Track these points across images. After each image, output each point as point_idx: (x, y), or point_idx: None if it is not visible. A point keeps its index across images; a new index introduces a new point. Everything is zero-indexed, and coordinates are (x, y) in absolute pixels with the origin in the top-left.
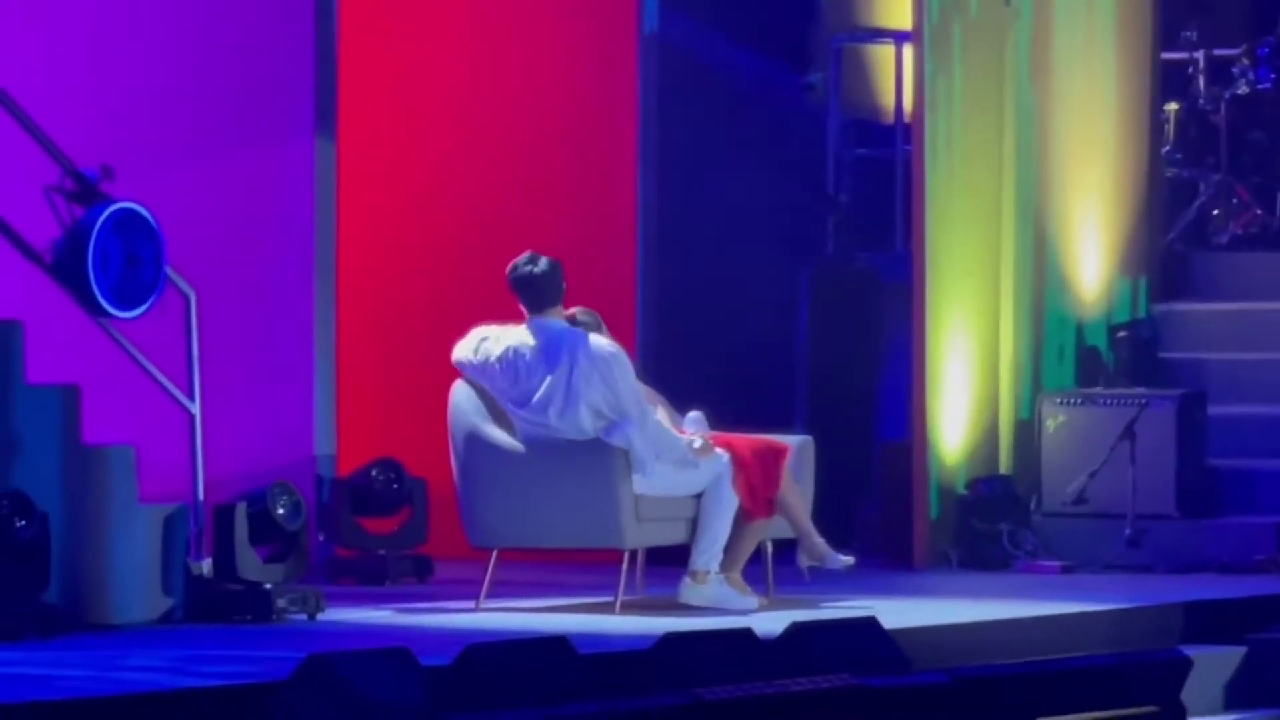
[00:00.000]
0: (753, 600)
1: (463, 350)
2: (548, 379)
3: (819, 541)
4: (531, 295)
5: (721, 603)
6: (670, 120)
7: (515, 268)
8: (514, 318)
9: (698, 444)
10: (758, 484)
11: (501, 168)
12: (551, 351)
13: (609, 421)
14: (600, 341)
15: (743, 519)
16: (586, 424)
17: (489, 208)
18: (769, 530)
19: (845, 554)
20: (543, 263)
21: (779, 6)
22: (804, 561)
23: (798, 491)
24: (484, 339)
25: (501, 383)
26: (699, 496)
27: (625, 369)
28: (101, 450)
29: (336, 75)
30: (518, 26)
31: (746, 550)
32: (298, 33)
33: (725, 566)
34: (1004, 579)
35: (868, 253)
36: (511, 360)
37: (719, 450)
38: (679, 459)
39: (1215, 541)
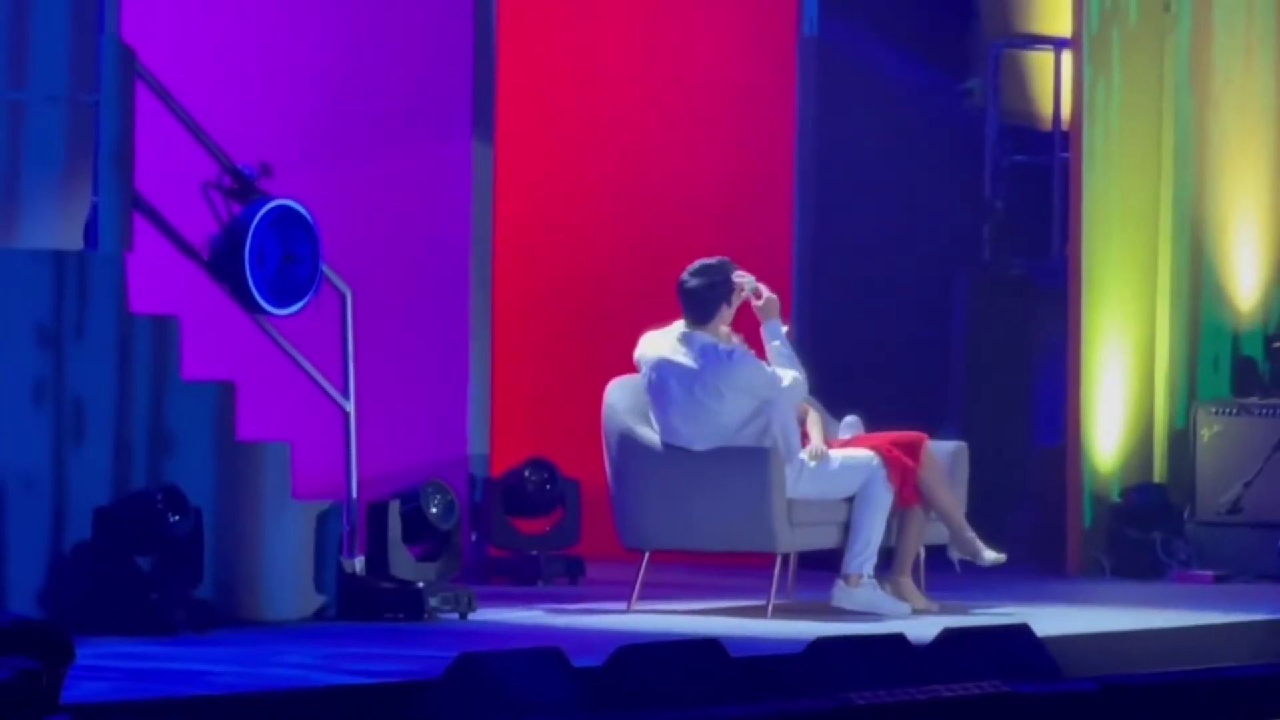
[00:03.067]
0: (905, 607)
1: (638, 349)
2: (675, 404)
3: (971, 536)
4: (684, 306)
5: (874, 607)
6: (828, 124)
7: (683, 274)
8: (666, 317)
9: (805, 456)
10: (907, 470)
11: (658, 170)
12: (678, 375)
13: (755, 420)
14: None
15: (897, 508)
16: (730, 436)
17: (645, 209)
18: (928, 530)
19: (997, 550)
20: (697, 279)
21: (938, 11)
22: (955, 555)
23: (949, 486)
24: (648, 342)
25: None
26: (850, 500)
27: (743, 364)
28: (256, 446)
29: (494, 77)
30: (677, 29)
31: (911, 550)
32: (456, 34)
33: (894, 571)
34: (1156, 588)
35: (1024, 259)
36: (653, 371)
37: (867, 452)
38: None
39: None
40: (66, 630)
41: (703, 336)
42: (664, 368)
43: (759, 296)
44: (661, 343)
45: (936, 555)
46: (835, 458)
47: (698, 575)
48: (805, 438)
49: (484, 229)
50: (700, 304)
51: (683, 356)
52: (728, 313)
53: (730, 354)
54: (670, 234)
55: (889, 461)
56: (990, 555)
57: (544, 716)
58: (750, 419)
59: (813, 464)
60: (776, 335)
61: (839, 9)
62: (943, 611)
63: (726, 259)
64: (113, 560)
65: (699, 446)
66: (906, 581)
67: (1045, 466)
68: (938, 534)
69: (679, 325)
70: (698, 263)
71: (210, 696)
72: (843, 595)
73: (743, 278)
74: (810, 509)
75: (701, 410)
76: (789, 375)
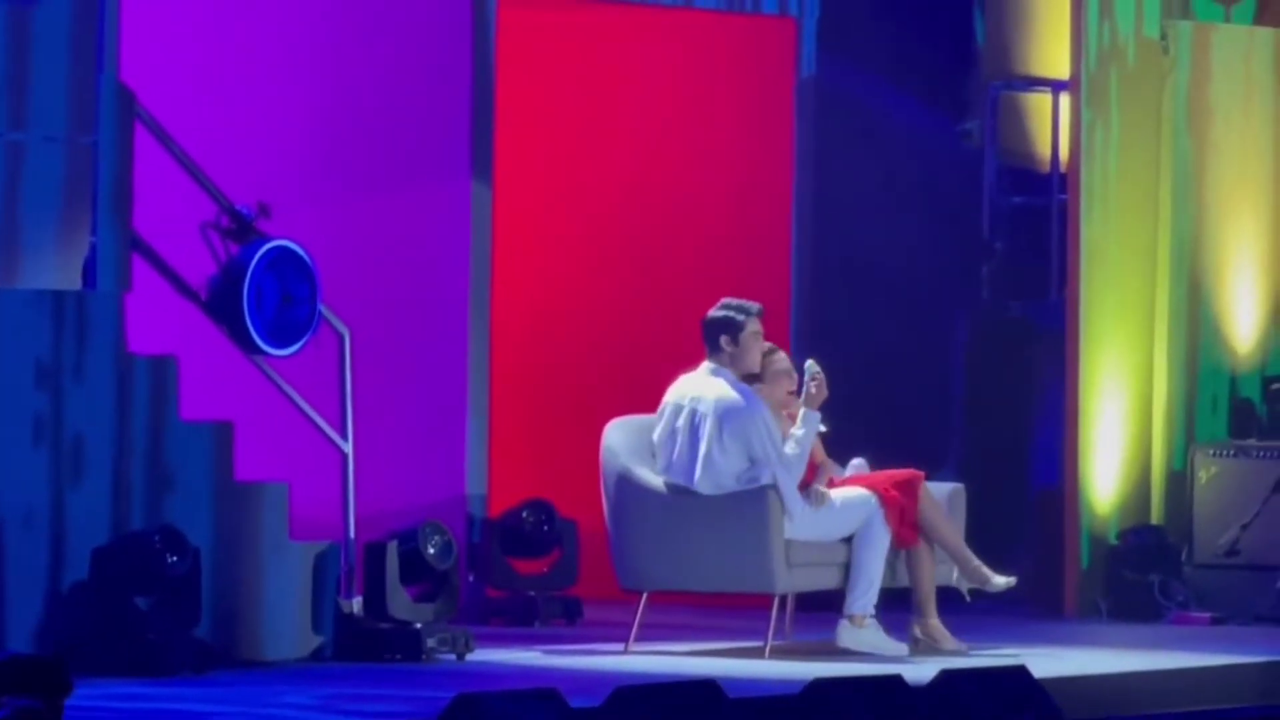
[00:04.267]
0: (904, 647)
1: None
2: (680, 437)
3: (977, 565)
4: (704, 338)
5: (877, 648)
6: (826, 165)
7: None
8: (664, 359)
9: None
10: (905, 509)
11: (657, 210)
12: (689, 409)
13: (747, 469)
14: (724, 396)
15: (897, 548)
16: (724, 482)
17: (643, 249)
18: (936, 568)
19: (1005, 574)
20: (719, 311)
21: (936, 53)
22: (964, 586)
23: (949, 520)
24: (677, 384)
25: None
26: (849, 541)
27: (750, 419)
28: (254, 487)
29: (493, 118)
30: (675, 70)
31: (930, 590)
32: (454, 75)
33: (921, 615)
34: (1154, 630)
35: (1022, 300)
36: (671, 411)
37: (865, 491)
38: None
39: None
40: (62, 661)
41: (725, 373)
42: (683, 404)
43: (820, 385)
44: (687, 381)
45: (941, 595)
46: (834, 498)
47: (696, 616)
48: (811, 474)
49: (482, 270)
50: (707, 334)
51: (707, 391)
52: (734, 350)
53: (752, 398)
54: (669, 274)
55: (886, 501)
56: (1000, 580)
57: None
58: (746, 471)
59: (815, 509)
60: (806, 424)
61: (837, 49)
62: (942, 652)
63: (751, 303)
64: (111, 600)
65: (704, 488)
66: (936, 624)
67: (1043, 507)
68: (942, 575)
69: (704, 363)
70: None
71: None
72: (848, 635)
73: (812, 366)
74: (808, 550)
75: (703, 445)
76: (791, 456)
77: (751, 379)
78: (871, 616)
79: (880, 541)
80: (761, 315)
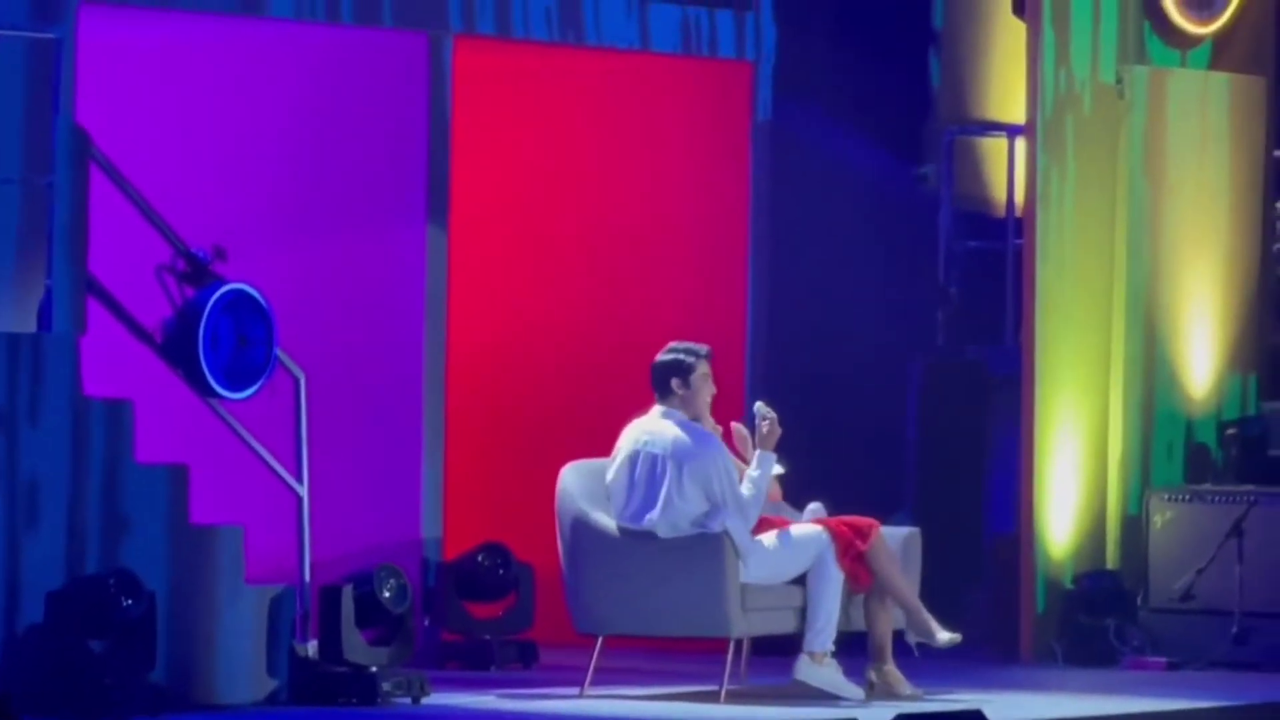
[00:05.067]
0: (860, 690)
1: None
2: (639, 481)
3: (926, 618)
4: (652, 383)
5: (836, 688)
6: (782, 208)
7: None
8: (619, 403)
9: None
10: (857, 548)
11: (612, 254)
12: (645, 451)
13: (705, 513)
14: (681, 439)
15: (853, 591)
16: (680, 524)
17: (599, 293)
18: (893, 614)
19: (952, 631)
20: (664, 356)
21: (892, 97)
22: (912, 638)
23: (902, 569)
24: (629, 429)
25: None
26: (804, 584)
27: (709, 460)
28: (209, 530)
29: (449, 161)
30: (632, 112)
31: (886, 636)
32: (411, 119)
33: (878, 659)
34: (1110, 674)
35: (977, 345)
36: (626, 454)
37: (816, 528)
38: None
39: None
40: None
41: (678, 415)
42: (639, 447)
43: (772, 425)
44: (641, 424)
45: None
46: (785, 537)
47: (651, 660)
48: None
49: (437, 313)
50: (655, 379)
51: (663, 433)
52: (685, 393)
53: (709, 439)
54: (625, 317)
55: (837, 536)
56: (945, 636)
57: None
58: (704, 515)
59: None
60: (762, 466)
61: (793, 93)
62: (898, 696)
63: (698, 345)
64: (65, 644)
65: (660, 531)
66: (892, 669)
67: (998, 552)
68: (898, 618)
69: (655, 406)
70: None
71: None
72: (807, 670)
73: (762, 408)
74: (764, 594)
75: (663, 487)
76: (747, 498)
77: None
78: (831, 655)
79: (834, 577)
80: (710, 357)
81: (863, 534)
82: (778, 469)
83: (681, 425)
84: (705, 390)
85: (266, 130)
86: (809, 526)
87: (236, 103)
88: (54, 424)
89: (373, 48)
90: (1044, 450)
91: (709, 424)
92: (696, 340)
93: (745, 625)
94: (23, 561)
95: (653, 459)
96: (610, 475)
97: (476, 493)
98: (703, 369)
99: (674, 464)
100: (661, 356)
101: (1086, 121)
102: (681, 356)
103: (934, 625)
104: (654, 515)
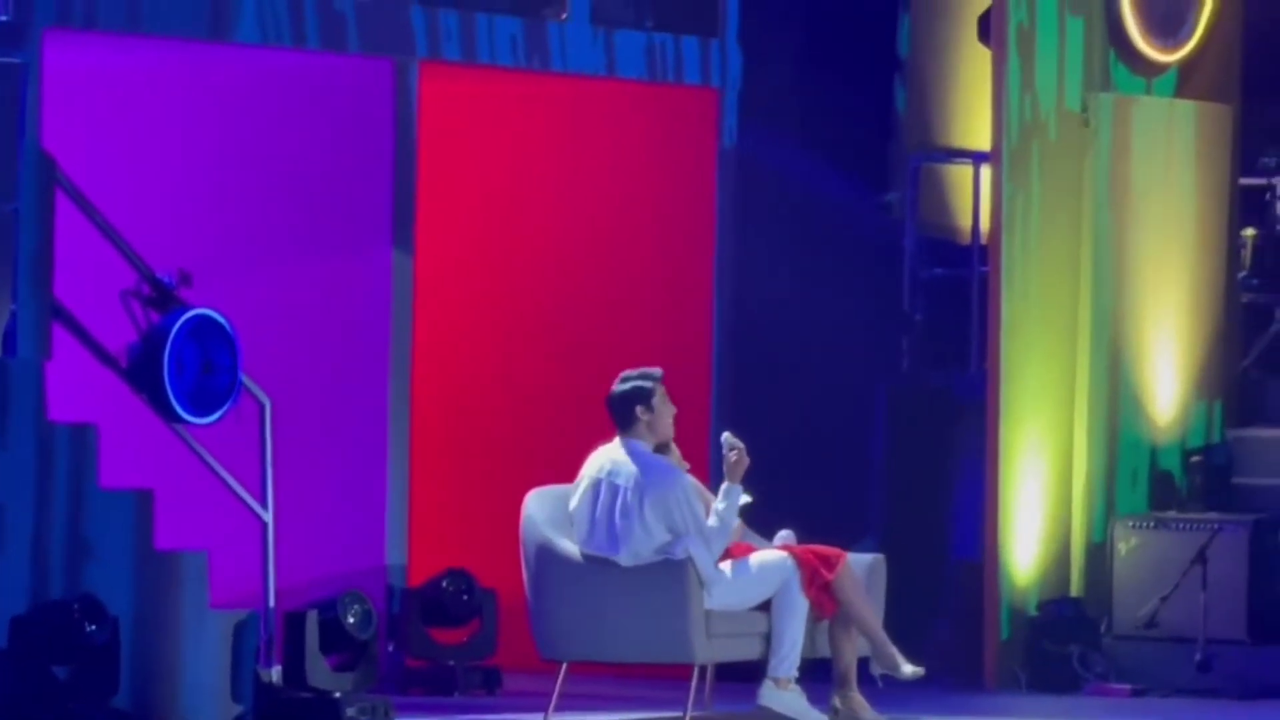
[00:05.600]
0: (824, 717)
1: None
2: (601, 511)
3: (892, 650)
4: (611, 415)
5: (799, 714)
6: (747, 235)
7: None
8: (584, 429)
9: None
10: (822, 575)
11: (579, 280)
12: (608, 481)
13: (668, 542)
14: (644, 470)
15: (818, 618)
16: (643, 553)
17: (565, 320)
18: (857, 641)
19: (916, 664)
20: (622, 386)
21: (858, 124)
22: (876, 670)
23: (868, 601)
24: (592, 457)
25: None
26: (768, 610)
27: (671, 491)
28: (174, 555)
29: (415, 187)
30: (598, 138)
31: (851, 663)
32: (377, 144)
33: (843, 686)
34: (1073, 701)
35: (942, 372)
36: (589, 484)
37: (781, 553)
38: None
39: None
40: None
41: (640, 445)
42: (601, 476)
43: (739, 456)
44: (603, 454)
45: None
46: (750, 564)
47: (616, 686)
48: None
49: (403, 339)
50: (618, 410)
51: (625, 464)
52: (650, 418)
53: (671, 471)
54: (590, 344)
55: (803, 564)
56: (909, 669)
57: None
58: (667, 544)
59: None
60: (729, 498)
61: (758, 119)
62: None
63: (651, 369)
64: (29, 669)
65: (624, 560)
66: (857, 696)
67: (963, 578)
68: (863, 646)
69: (616, 437)
70: (623, 373)
71: None
72: (771, 696)
73: (729, 439)
74: (728, 620)
75: (625, 518)
76: (712, 530)
77: (661, 448)
78: (795, 681)
79: (799, 604)
80: (662, 378)
81: (830, 563)
82: (746, 498)
83: (643, 457)
84: (667, 411)
85: (232, 155)
86: (774, 553)
87: (202, 128)
88: (19, 448)
89: (339, 73)
90: (1009, 477)
91: (675, 453)
92: (662, 365)
93: (709, 651)
94: None
95: (615, 490)
96: (573, 504)
97: (441, 519)
98: (660, 390)
99: (636, 496)
100: (619, 388)
101: (1052, 148)
102: (639, 383)
103: (899, 658)
104: (618, 545)
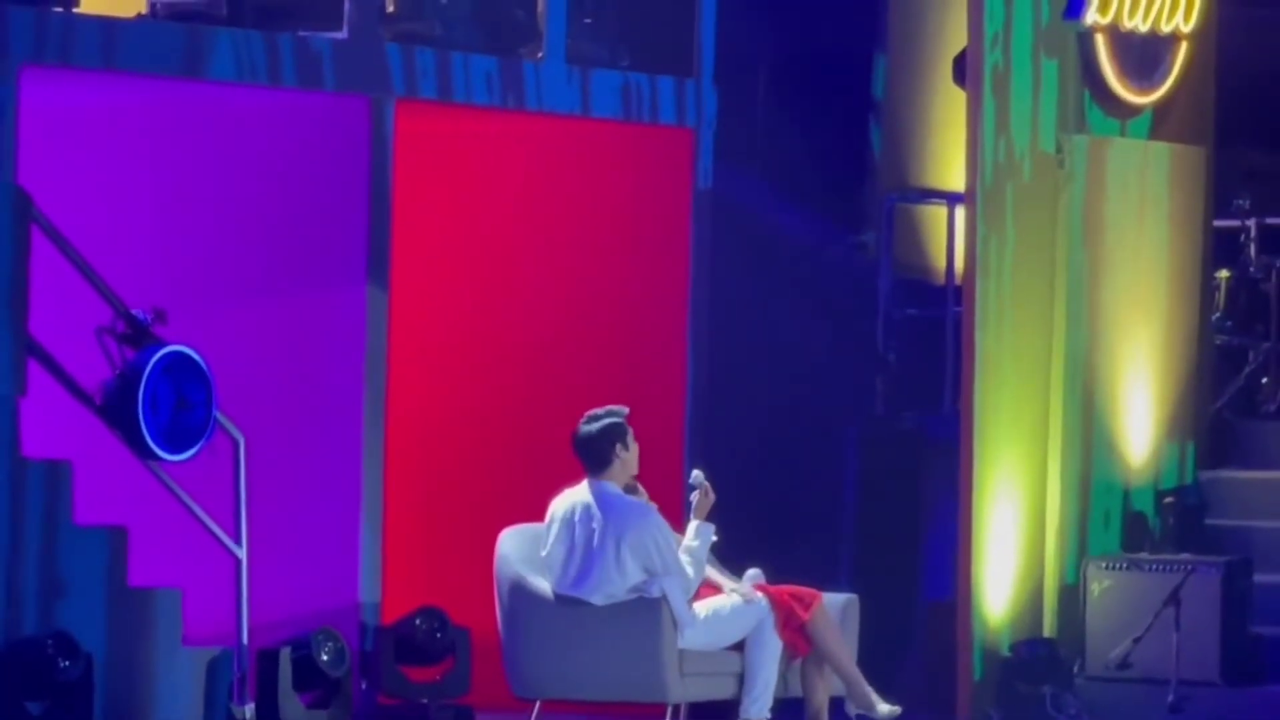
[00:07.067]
0: None
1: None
2: (576, 553)
3: (866, 690)
4: (580, 457)
5: None
6: (722, 275)
7: (578, 425)
8: (558, 467)
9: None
10: (797, 616)
11: (554, 319)
12: (582, 524)
13: (643, 580)
14: (618, 511)
15: (790, 659)
16: (617, 594)
17: (540, 359)
18: (830, 680)
19: (891, 704)
20: (595, 425)
21: (832, 165)
22: (852, 710)
23: (843, 640)
24: (559, 499)
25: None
26: (742, 650)
27: (647, 531)
28: (147, 592)
29: (390, 225)
30: (573, 179)
31: (824, 702)
32: (352, 182)
33: None
34: None
35: (916, 412)
36: (561, 526)
37: (757, 594)
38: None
39: (1258, 710)
40: None
41: (612, 486)
42: (574, 518)
43: (705, 493)
44: (573, 496)
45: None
46: (724, 604)
47: None
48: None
49: (377, 376)
50: (593, 450)
51: (594, 506)
52: (626, 456)
53: (645, 510)
54: (564, 383)
55: (778, 605)
56: (885, 708)
57: None
58: (641, 584)
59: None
60: (700, 537)
61: (734, 160)
62: None
63: (616, 407)
64: (2, 705)
65: (597, 600)
66: None
67: (935, 619)
68: (835, 686)
69: (586, 480)
70: (588, 413)
71: None
72: None
73: (697, 477)
74: (701, 659)
75: (600, 559)
76: (687, 570)
77: (629, 489)
78: None
79: (772, 643)
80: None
81: (805, 604)
82: (714, 538)
83: (616, 499)
84: (635, 448)
85: (208, 192)
86: (749, 593)
87: (178, 165)
88: None
89: (315, 111)
90: (981, 518)
91: (643, 492)
92: (635, 404)
93: (683, 690)
94: None
95: (590, 533)
96: (546, 549)
97: (415, 556)
98: (629, 426)
99: (612, 538)
100: (590, 427)
101: (1026, 190)
102: (613, 420)
103: (874, 697)
104: (591, 585)
